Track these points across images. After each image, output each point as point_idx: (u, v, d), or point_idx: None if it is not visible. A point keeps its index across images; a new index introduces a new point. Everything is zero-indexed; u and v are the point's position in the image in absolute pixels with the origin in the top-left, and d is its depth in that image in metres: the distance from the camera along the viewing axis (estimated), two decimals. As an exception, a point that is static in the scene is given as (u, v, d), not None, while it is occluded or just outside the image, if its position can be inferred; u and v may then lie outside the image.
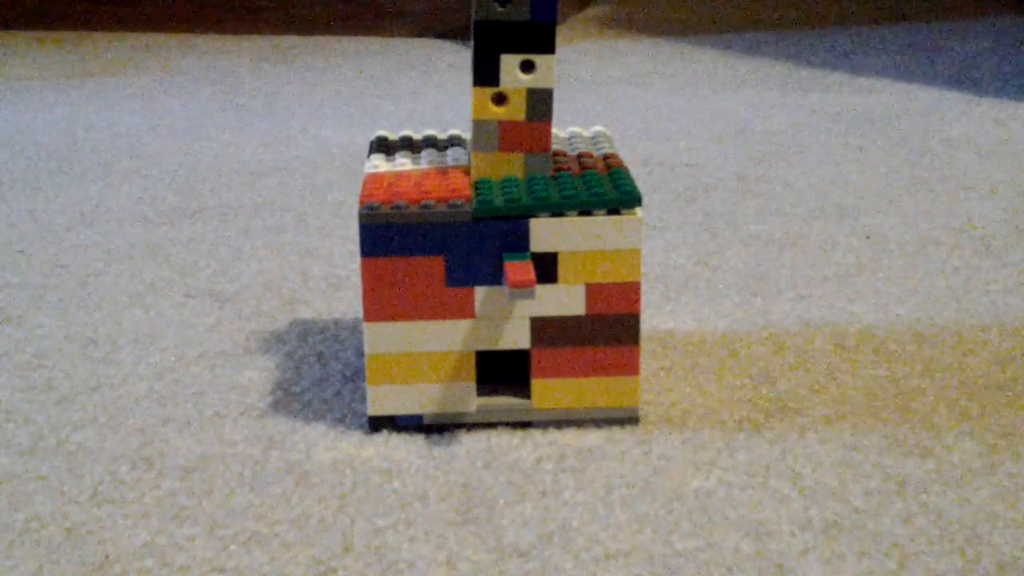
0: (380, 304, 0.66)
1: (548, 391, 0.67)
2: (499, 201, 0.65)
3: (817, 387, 0.72)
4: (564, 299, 0.66)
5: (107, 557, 0.57)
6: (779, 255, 0.94)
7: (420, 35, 2.00)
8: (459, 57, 1.81)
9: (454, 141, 0.74)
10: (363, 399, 0.71)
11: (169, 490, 0.62)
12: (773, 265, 0.92)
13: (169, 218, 1.06)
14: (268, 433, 0.68)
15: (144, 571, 0.56)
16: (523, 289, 0.61)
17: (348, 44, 1.94)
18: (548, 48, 0.65)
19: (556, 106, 1.46)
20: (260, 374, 0.75)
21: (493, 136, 0.66)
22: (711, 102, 1.49)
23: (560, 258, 0.65)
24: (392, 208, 0.64)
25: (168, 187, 1.15)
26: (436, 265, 0.65)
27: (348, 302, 0.86)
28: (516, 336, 0.66)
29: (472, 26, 0.65)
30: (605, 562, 0.56)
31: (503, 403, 0.68)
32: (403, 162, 0.70)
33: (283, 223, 1.04)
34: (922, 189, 1.11)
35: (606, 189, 0.65)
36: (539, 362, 0.67)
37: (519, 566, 0.55)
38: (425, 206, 0.64)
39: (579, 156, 0.71)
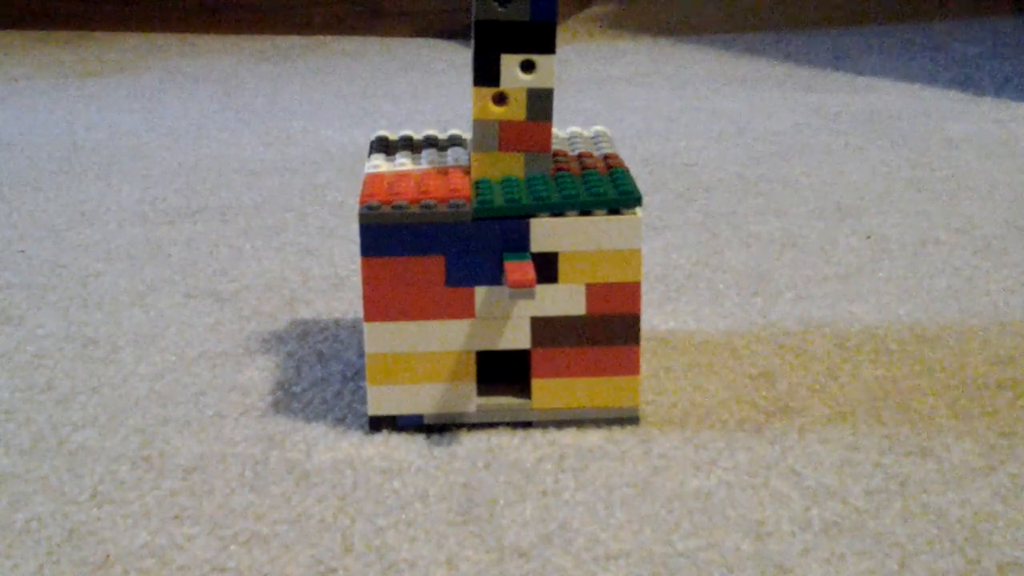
0: (380, 304, 0.65)
1: (548, 391, 0.67)
2: (499, 201, 0.65)
3: (817, 387, 0.72)
4: (564, 299, 0.66)
5: (107, 557, 0.57)
6: (779, 255, 0.94)
7: (420, 35, 2.00)
8: (459, 57, 1.81)
9: (454, 141, 0.74)
10: (363, 399, 0.71)
11: (169, 490, 0.62)
12: (773, 265, 0.92)
13: (169, 218, 1.06)
14: (268, 433, 0.68)
15: (144, 571, 0.56)
16: (523, 289, 0.61)
17: (348, 44, 1.94)
18: (548, 48, 0.65)
19: (556, 106, 1.46)
20: (260, 374, 0.75)
21: (493, 136, 0.66)
22: (711, 102, 1.49)
23: (560, 258, 0.65)
24: (392, 208, 0.64)
25: (168, 187, 1.15)
26: (436, 265, 0.65)
27: (348, 302, 0.86)
28: (516, 336, 0.66)
29: (472, 26, 0.65)
30: (605, 562, 0.56)
31: (503, 403, 0.68)
32: (403, 162, 0.70)
33: (283, 223, 1.04)
34: (922, 189, 1.11)
35: (606, 189, 0.65)
36: (539, 362, 0.67)
37: (519, 566, 0.55)
38: (425, 206, 0.64)
39: (579, 156, 0.71)
